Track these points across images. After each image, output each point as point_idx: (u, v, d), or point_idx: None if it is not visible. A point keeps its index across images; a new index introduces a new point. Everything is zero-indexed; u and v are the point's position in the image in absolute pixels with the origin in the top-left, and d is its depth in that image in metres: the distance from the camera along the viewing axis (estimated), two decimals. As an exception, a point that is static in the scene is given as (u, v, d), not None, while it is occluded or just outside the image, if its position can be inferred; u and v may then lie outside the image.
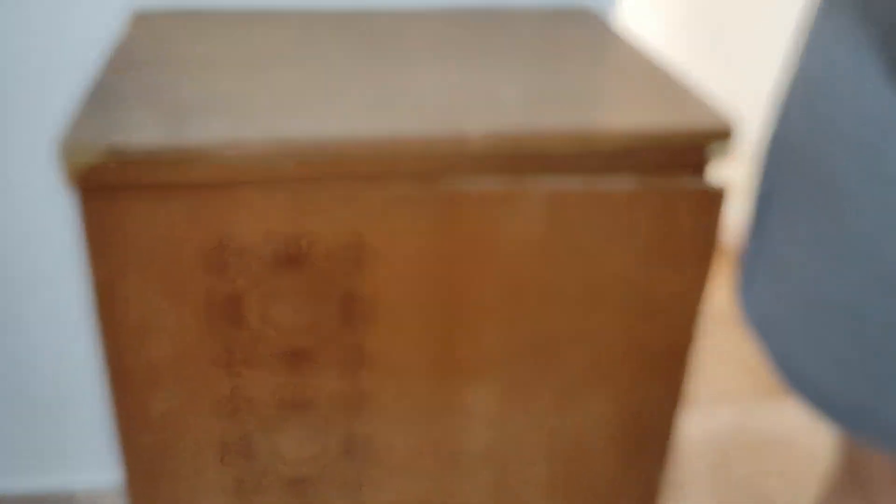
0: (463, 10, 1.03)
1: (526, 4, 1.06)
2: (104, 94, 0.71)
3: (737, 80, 2.40)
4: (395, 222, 0.69)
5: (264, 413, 0.76)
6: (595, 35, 0.95)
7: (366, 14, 1.00)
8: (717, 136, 0.71)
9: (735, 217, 2.06)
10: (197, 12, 0.97)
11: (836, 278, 0.62)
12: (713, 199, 0.73)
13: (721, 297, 1.81)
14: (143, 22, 0.92)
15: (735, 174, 1.59)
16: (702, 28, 2.60)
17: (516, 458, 0.83)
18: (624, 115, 0.73)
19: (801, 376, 0.65)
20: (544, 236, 0.72)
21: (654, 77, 0.82)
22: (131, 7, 0.96)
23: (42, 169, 1.03)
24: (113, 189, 0.64)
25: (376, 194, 0.67)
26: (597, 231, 0.72)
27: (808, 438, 1.53)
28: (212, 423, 0.75)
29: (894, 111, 0.56)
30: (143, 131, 0.64)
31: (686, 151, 0.71)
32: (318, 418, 0.77)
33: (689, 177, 0.73)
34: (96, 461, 1.24)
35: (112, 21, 0.93)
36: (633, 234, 0.73)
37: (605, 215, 0.72)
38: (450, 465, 0.82)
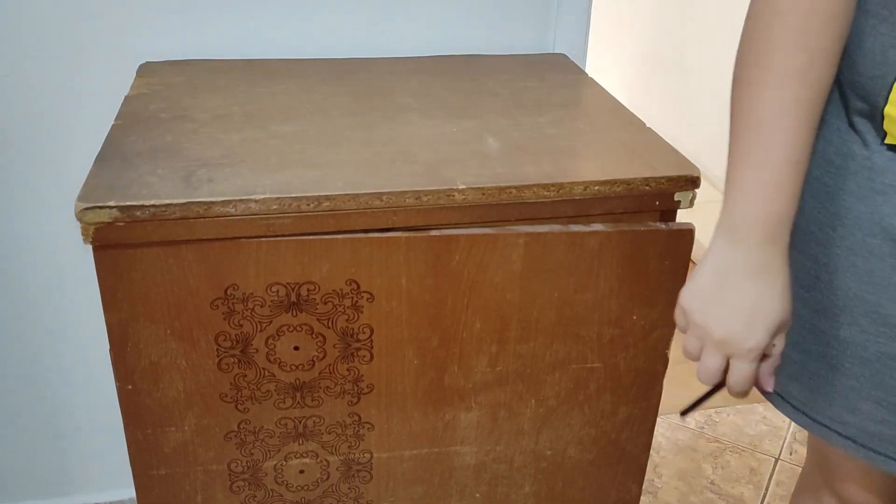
0: (448, 57, 1.09)
1: (506, 49, 1.12)
2: (116, 153, 0.76)
3: (698, 118, 2.49)
4: (390, 267, 0.75)
5: (270, 443, 0.82)
6: (570, 82, 1.02)
7: (354, 62, 1.06)
8: (683, 184, 0.78)
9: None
10: (199, 62, 1.02)
11: (803, 305, 0.69)
12: (681, 240, 0.80)
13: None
14: (149, 74, 0.97)
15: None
16: (663, 65, 2.69)
17: (504, 478, 0.89)
18: (596, 163, 0.79)
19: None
20: (524, 275, 0.78)
21: (624, 124, 0.89)
22: (139, 60, 1.01)
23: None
24: (124, 245, 0.69)
25: (372, 243, 0.74)
26: (573, 270, 0.79)
27: (771, 444, 1.61)
28: (221, 455, 0.81)
29: (851, 156, 0.64)
30: (153, 191, 0.70)
31: (654, 197, 0.78)
32: (319, 446, 0.83)
33: (658, 220, 0.80)
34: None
35: (122, 74, 0.98)
36: (607, 273, 0.79)
37: (580, 256, 0.78)
38: (443, 486, 0.88)
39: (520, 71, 1.05)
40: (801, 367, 0.71)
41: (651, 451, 1.57)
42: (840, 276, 0.65)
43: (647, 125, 0.89)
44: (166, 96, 0.91)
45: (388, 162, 0.78)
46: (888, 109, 0.59)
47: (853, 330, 0.66)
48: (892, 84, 0.59)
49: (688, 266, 0.81)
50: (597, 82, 1.03)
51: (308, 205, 0.71)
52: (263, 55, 1.05)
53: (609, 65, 2.98)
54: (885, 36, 0.59)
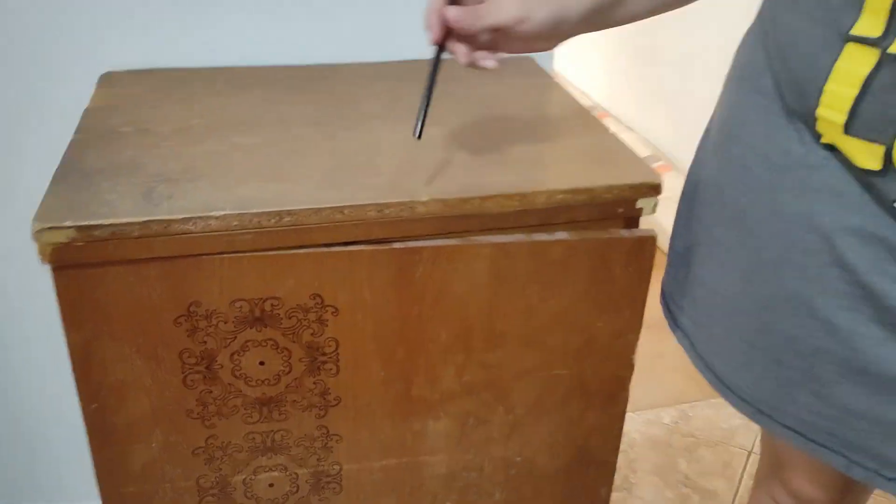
0: (416, 62, 1.09)
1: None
2: (74, 170, 0.75)
3: (672, 114, 2.50)
4: (353, 280, 0.75)
5: (238, 458, 0.81)
6: (535, 87, 1.02)
7: (320, 69, 1.05)
8: (645, 192, 0.79)
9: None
10: (161, 70, 1.01)
11: (748, 299, 0.71)
12: (643, 247, 0.80)
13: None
14: (111, 85, 0.96)
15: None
16: (638, 63, 2.69)
17: (475, 486, 0.89)
18: (560, 172, 0.80)
19: (720, 378, 0.75)
20: (490, 286, 0.78)
21: (588, 131, 0.89)
22: (100, 70, 1.00)
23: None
24: (84, 265, 0.69)
25: (335, 257, 0.73)
26: (537, 279, 0.79)
27: (744, 438, 1.63)
28: (189, 471, 0.80)
29: (788, 154, 0.65)
30: (111, 209, 0.69)
31: (617, 205, 0.79)
32: (288, 459, 0.83)
33: (621, 228, 0.80)
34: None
35: (82, 85, 0.97)
36: (572, 281, 0.80)
37: (544, 265, 0.78)
38: (413, 495, 0.88)
39: (487, 75, 1.05)
40: (748, 359, 0.72)
41: (626, 448, 1.58)
42: (778, 271, 0.67)
43: (611, 130, 0.89)
44: (127, 108, 0.90)
45: (351, 174, 0.77)
46: (820, 111, 0.60)
47: (791, 323, 0.67)
48: (824, 87, 0.59)
49: (651, 272, 0.82)
50: (562, 87, 1.03)
51: (269, 220, 0.71)
52: (227, 63, 1.04)
53: (584, 57, 2.99)
54: (817, 38, 0.59)
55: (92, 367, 0.73)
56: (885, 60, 0.55)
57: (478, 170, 0.79)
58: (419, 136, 0.71)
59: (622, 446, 1.59)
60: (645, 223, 0.81)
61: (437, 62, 0.69)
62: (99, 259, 0.69)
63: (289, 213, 0.71)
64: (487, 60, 0.72)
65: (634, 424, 1.65)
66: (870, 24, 0.56)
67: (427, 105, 0.71)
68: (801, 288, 0.65)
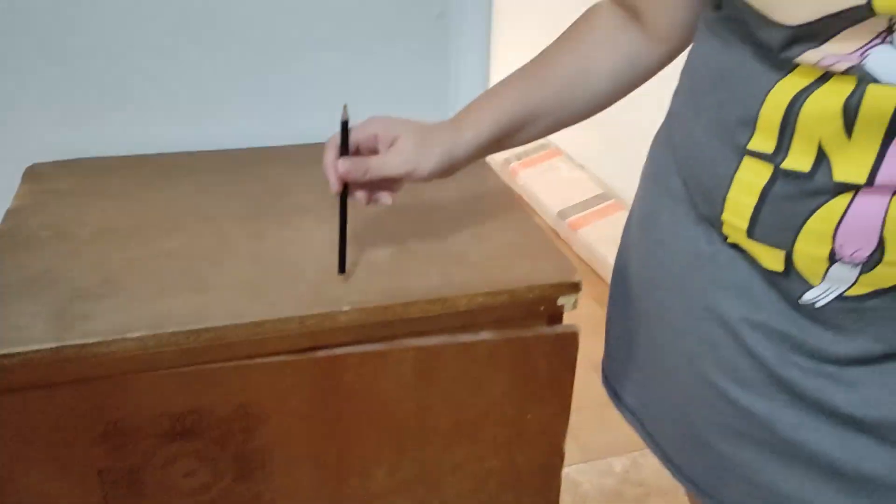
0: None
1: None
2: (-10, 286, 0.74)
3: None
4: (279, 390, 0.75)
5: (166, 567, 0.80)
6: (464, 177, 1.03)
7: (253, 152, 1.05)
8: (565, 290, 0.80)
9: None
10: (90, 161, 1.01)
11: (674, 387, 0.73)
12: (566, 342, 0.81)
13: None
14: (35, 179, 0.95)
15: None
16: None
17: (409, 579, 0.89)
18: (483, 271, 0.80)
19: (668, 457, 0.78)
20: (416, 386, 0.79)
21: (515, 222, 0.90)
22: (27, 160, 0.99)
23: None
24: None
25: (258, 369, 0.73)
26: (464, 378, 0.80)
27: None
28: (115, 584, 0.79)
29: (701, 253, 0.67)
30: (22, 335, 0.68)
31: (538, 303, 0.79)
32: (219, 564, 0.82)
33: (544, 325, 0.81)
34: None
35: (7, 179, 0.96)
36: (498, 378, 0.80)
37: (470, 364, 0.79)
38: (348, 591, 0.88)
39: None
40: (683, 442, 0.75)
41: (579, 501, 1.59)
42: (696, 362, 0.70)
43: (536, 221, 0.90)
44: (50, 207, 0.89)
45: (275, 282, 0.77)
46: (725, 217, 0.63)
47: (713, 411, 0.70)
48: (726, 195, 0.62)
49: (574, 366, 0.83)
50: (492, 168, 1.04)
51: (188, 339, 0.70)
52: (158, 149, 1.04)
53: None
54: (718, 150, 0.62)
55: (7, 492, 0.72)
56: (778, 174, 0.57)
57: (403, 270, 0.80)
58: (343, 272, 0.78)
59: (575, 499, 1.60)
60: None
61: (343, 206, 0.76)
62: (11, 386, 0.68)
63: (208, 330, 0.71)
64: (385, 198, 0.77)
65: (587, 475, 1.66)
66: (763, 140, 0.58)
67: (343, 243, 0.77)
68: (718, 378, 0.67)
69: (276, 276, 0.78)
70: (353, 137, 0.74)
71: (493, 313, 0.78)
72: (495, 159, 2.88)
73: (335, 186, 0.74)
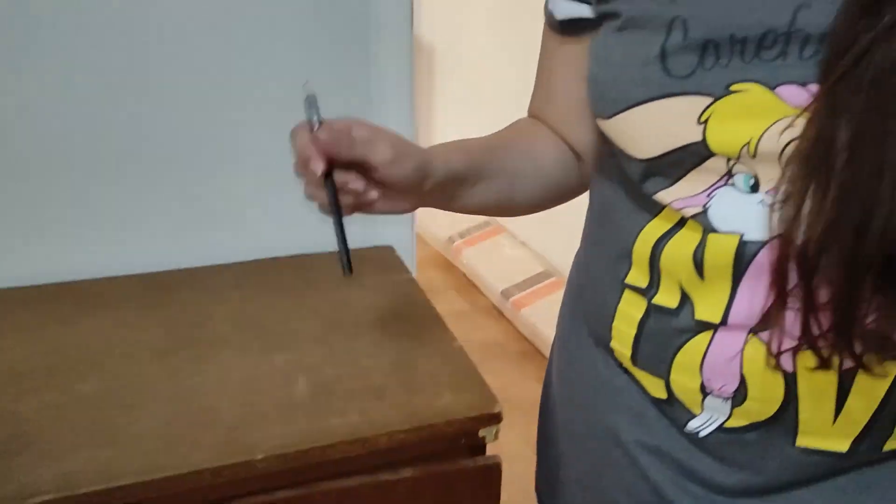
0: (275, 260, 1.09)
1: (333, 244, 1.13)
2: None
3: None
4: (195, 541, 0.73)
5: None
6: (392, 287, 1.04)
7: (174, 275, 1.05)
8: (486, 421, 0.80)
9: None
10: (8, 291, 0.99)
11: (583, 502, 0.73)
12: (489, 474, 0.81)
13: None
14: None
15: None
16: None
17: None
18: (404, 406, 0.80)
19: None
20: (340, 528, 0.78)
21: (437, 345, 0.91)
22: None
23: None
24: None
25: (172, 523, 0.72)
26: (388, 516, 0.79)
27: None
28: None
29: (600, 377, 0.68)
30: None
31: (459, 437, 0.80)
32: None
33: (466, 458, 0.81)
34: None
35: None
36: (422, 513, 0.80)
37: (392, 501, 0.78)
38: None
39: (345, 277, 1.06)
40: None
41: None
42: (600, 483, 0.71)
43: (458, 343, 0.91)
44: (-37, 350, 0.87)
45: (189, 430, 0.76)
46: (613, 344, 0.65)
47: None
48: (612, 324, 0.64)
49: (499, 496, 0.83)
50: (417, 284, 1.05)
51: (97, 499, 0.69)
52: (77, 276, 1.03)
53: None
54: (606, 281, 0.64)
55: None
56: (651, 308, 0.60)
57: (323, 409, 0.79)
58: (350, 273, 0.66)
59: None
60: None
61: (333, 191, 0.62)
62: None
63: (119, 489, 0.69)
64: (373, 193, 0.63)
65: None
66: (638, 275, 0.61)
67: (343, 238, 0.65)
68: (621, 498, 0.68)
69: (190, 422, 0.77)
70: (327, 125, 0.61)
71: (414, 450, 0.78)
72: (438, 237, 2.90)
73: (319, 165, 0.59)
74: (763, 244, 0.53)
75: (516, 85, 2.70)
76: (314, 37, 1.02)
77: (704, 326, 0.57)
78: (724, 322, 0.56)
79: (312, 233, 1.12)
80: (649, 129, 0.55)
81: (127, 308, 0.97)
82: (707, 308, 0.57)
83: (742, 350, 0.56)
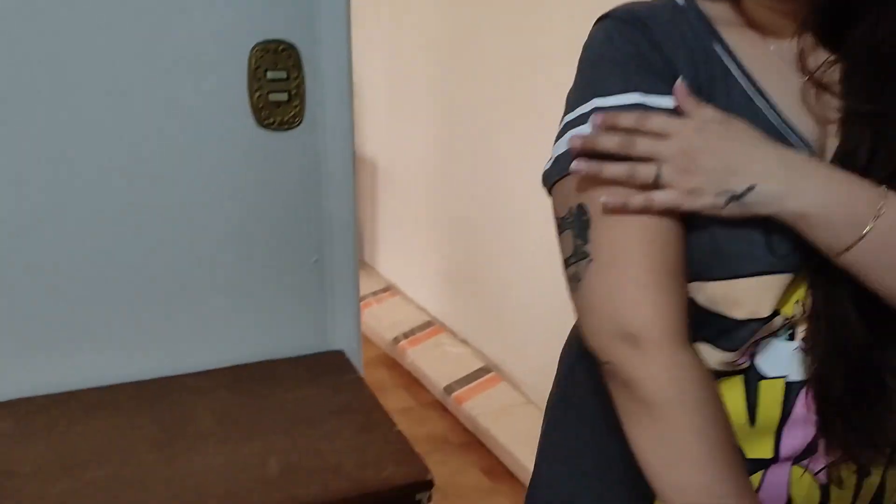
0: (246, 367, 1.32)
1: (295, 350, 1.36)
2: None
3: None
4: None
5: None
6: (343, 386, 1.27)
7: (164, 382, 1.26)
8: (420, 487, 1.03)
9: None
10: (25, 401, 1.19)
11: None
12: (425, 533, 1.03)
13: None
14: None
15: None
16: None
17: None
18: (353, 479, 1.02)
19: None
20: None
21: (378, 429, 1.13)
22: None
23: None
24: None
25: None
26: (344, 568, 0.99)
27: None
28: None
29: None
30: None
31: (401, 501, 1.02)
32: None
33: (406, 518, 1.03)
34: None
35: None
36: (371, 565, 1.01)
37: (348, 556, 0.99)
38: None
39: (303, 376, 1.29)
40: None
41: None
42: None
43: (397, 428, 1.14)
44: (-10, 449, 1.06)
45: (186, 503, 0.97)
46: None
47: None
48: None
49: (434, 549, 1.04)
50: (364, 381, 1.28)
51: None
52: (80, 385, 1.23)
53: (422, 275, 3.32)
54: None
55: None
56: None
57: (290, 483, 1.01)
58: None
59: None
60: None
61: None
62: None
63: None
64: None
65: None
66: None
67: None
68: None
69: (186, 499, 0.98)
70: None
71: (359, 516, 1.00)
72: (384, 338, 3.12)
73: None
74: (804, 383, 0.66)
75: (453, 192, 3.00)
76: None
77: (758, 465, 0.69)
78: (775, 458, 0.68)
79: (276, 341, 1.35)
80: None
81: (124, 411, 1.17)
82: (757, 448, 0.68)
83: (789, 478, 0.69)
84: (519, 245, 2.65)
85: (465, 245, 3.04)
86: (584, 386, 0.78)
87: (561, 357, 0.88)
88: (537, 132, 2.58)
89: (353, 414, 1.19)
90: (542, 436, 0.87)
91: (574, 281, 0.67)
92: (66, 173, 1.16)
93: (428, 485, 1.03)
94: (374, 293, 3.48)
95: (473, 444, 2.61)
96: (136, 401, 1.21)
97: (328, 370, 1.32)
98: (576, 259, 0.67)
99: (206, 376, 1.29)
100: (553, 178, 0.71)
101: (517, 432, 2.45)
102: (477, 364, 2.88)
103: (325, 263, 1.35)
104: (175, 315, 1.28)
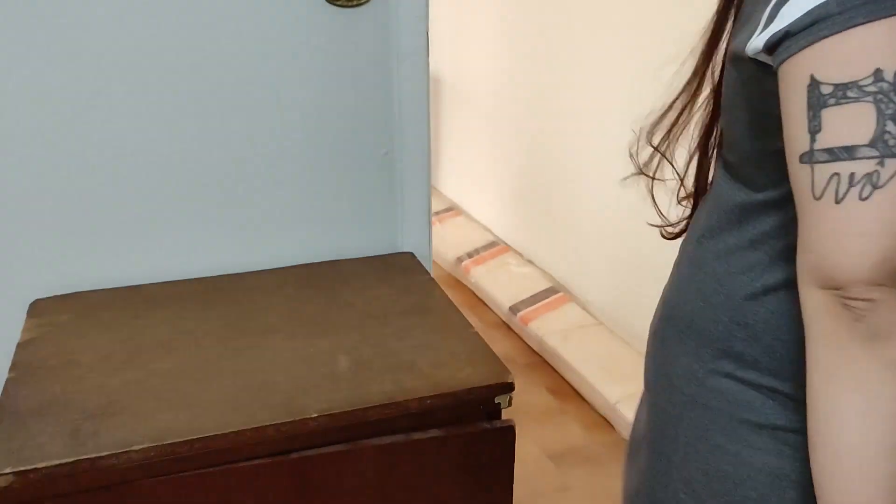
0: (312, 266, 1.25)
1: (363, 251, 1.29)
2: (9, 412, 0.87)
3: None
4: (258, 488, 0.88)
5: None
6: (414, 286, 1.19)
7: (227, 279, 1.20)
8: (500, 390, 0.95)
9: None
10: (85, 294, 1.15)
11: None
12: (505, 436, 0.96)
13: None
14: (39, 314, 1.09)
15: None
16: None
17: None
18: (430, 377, 0.95)
19: None
20: (377, 481, 0.92)
21: (456, 331, 1.06)
22: (29, 296, 1.13)
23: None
24: (18, 502, 0.80)
25: (241, 472, 0.86)
26: (417, 471, 0.93)
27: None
28: None
29: None
30: (44, 452, 0.81)
31: (478, 403, 0.95)
32: None
33: (484, 421, 0.96)
34: None
35: (13, 313, 1.10)
36: (447, 469, 0.94)
37: (422, 458, 0.93)
38: None
39: (372, 276, 1.22)
40: None
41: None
42: None
43: (474, 329, 1.06)
44: (55, 339, 1.02)
45: (253, 396, 0.91)
46: None
47: None
48: None
49: (513, 455, 0.97)
50: (436, 283, 1.20)
51: (182, 448, 0.84)
52: (144, 280, 1.19)
53: (486, 194, 3.23)
54: None
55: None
56: None
57: (361, 380, 0.94)
58: None
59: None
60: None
61: None
62: (34, 496, 0.80)
63: (199, 440, 0.84)
64: None
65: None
66: None
67: None
68: None
69: (254, 391, 0.92)
70: None
71: (439, 414, 0.93)
72: (447, 258, 3.06)
73: None
74: None
75: (519, 111, 2.88)
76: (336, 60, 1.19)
77: None
78: None
79: (343, 240, 1.28)
80: None
81: (188, 305, 1.12)
82: None
83: None
84: (586, 164, 2.53)
85: (530, 164, 2.93)
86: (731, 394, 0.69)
87: (663, 359, 0.77)
88: (608, 47, 2.44)
89: (426, 314, 1.11)
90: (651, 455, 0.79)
91: (861, 186, 0.51)
92: (128, 57, 1.09)
93: (509, 387, 0.96)
94: (437, 213, 3.40)
95: (539, 364, 2.55)
96: (202, 296, 1.15)
97: (399, 271, 1.25)
98: (879, 153, 0.51)
99: (271, 274, 1.23)
100: (831, 29, 0.52)
101: (584, 353, 2.38)
102: (543, 284, 2.80)
103: (396, 157, 1.26)
104: (239, 210, 1.22)
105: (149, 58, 1.10)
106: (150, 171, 1.16)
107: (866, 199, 0.51)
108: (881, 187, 0.51)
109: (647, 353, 0.81)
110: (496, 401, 0.95)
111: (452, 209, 3.44)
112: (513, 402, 0.97)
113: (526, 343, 2.65)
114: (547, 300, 2.72)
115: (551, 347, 2.48)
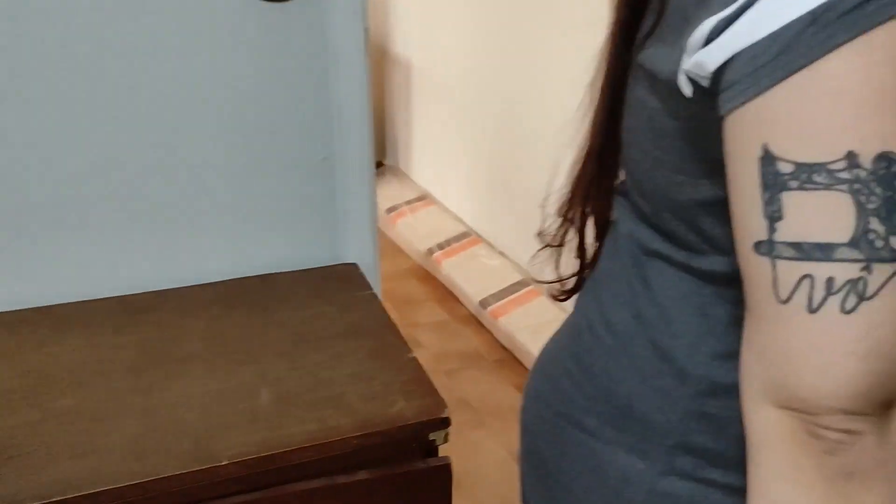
0: (245, 280, 1.16)
1: (304, 263, 1.20)
2: None
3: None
4: (165, 543, 0.79)
5: None
6: (353, 303, 1.10)
7: (148, 297, 1.11)
8: (435, 426, 0.87)
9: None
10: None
11: None
12: (440, 474, 0.88)
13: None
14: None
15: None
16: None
17: None
18: (358, 414, 0.87)
19: None
20: (301, 528, 0.84)
21: (391, 355, 0.97)
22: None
23: None
24: None
25: (144, 526, 0.78)
26: (346, 516, 0.85)
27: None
28: None
29: None
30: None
31: (411, 441, 0.86)
32: None
33: (418, 460, 0.87)
34: None
35: None
36: (378, 513, 0.86)
37: (349, 502, 0.85)
38: None
39: (308, 292, 1.13)
40: None
41: None
42: None
43: (412, 354, 0.98)
44: (-51, 373, 0.93)
45: (159, 440, 0.82)
46: None
47: None
48: None
49: (450, 495, 0.89)
50: (378, 299, 1.11)
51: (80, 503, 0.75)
52: (54, 300, 1.09)
53: (457, 183, 3.14)
54: None
55: None
56: None
57: (283, 418, 0.86)
58: None
59: None
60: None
61: None
62: None
63: (92, 495, 0.75)
64: None
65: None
66: None
67: None
68: None
69: (160, 433, 0.83)
70: None
71: (368, 454, 0.85)
72: (418, 249, 2.97)
73: None
74: None
75: (490, 97, 2.78)
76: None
77: None
78: None
79: (279, 251, 1.18)
80: None
81: (102, 329, 1.03)
82: None
83: None
84: (560, 156, 2.44)
85: (503, 154, 2.84)
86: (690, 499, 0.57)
87: (585, 449, 0.62)
88: (581, 34, 2.34)
89: (362, 337, 1.03)
90: None
91: (844, 295, 0.41)
92: (33, 52, 0.99)
93: (444, 423, 0.87)
94: (409, 202, 3.31)
95: (509, 360, 2.48)
96: (118, 318, 1.06)
97: (338, 285, 1.16)
98: (864, 256, 0.40)
99: (200, 290, 1.14)
100: (787, 68, 0.40)
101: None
102: (514, 277, 2.72)
103: (336, 163, 1.16)
104: (163, 220, 1.12)
105: (54, 54, 1.00)
106: (59, 178, 1.05)
107: (851, 311, 0.40)
108: (869, 298, 0.40)
109: (538, 424, 0.66)
110: (430, 437, 0.87)
111: (424, 198, 3.35)
112: (449, 437, 0.88)
113: (496, 338, 2.58)
114: (518, 293, 2.64)
115: (521, 343, 2.41)
